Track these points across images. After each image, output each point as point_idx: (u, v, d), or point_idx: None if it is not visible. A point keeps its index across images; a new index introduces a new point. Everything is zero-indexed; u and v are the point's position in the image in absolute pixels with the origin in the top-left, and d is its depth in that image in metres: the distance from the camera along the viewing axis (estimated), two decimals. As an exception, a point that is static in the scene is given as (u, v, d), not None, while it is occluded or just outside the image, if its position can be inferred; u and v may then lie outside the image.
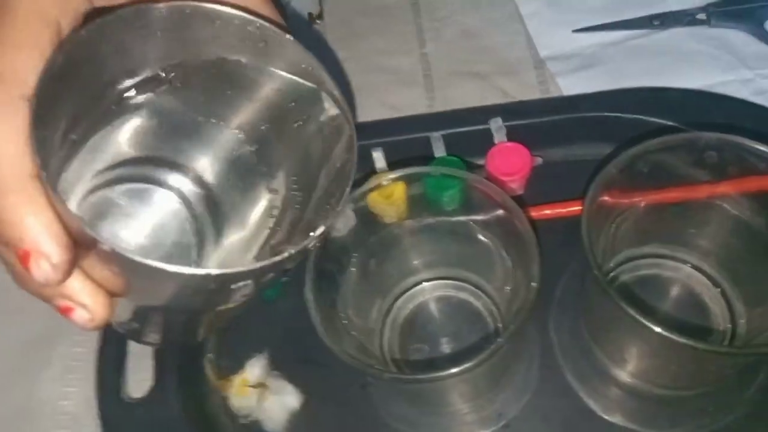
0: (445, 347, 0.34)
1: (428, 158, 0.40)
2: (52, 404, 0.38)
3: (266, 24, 0.23)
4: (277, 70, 0.25)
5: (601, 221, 0.29)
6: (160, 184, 0.26)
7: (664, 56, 0.44)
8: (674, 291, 0.34)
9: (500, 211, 0.29)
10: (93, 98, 0.23)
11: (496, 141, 0.39)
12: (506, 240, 0.30)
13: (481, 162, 0.39)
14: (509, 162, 0.38)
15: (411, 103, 0.46)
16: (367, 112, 0.46)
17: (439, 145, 0.40)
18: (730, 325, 0.32)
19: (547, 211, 0.37)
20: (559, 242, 0.33)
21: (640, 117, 0.38)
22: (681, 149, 0.28)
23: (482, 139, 0.39)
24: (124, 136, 0.25)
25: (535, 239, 0.27)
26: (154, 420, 0.34)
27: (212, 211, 0.26)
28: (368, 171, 0.35)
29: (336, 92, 0.25)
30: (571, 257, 0.35)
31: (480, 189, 0.30)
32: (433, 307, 0.36)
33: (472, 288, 0.35)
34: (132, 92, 0.24)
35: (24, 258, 0.20)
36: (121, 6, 0.22)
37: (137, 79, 0.24)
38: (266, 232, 0.25)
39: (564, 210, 0.37)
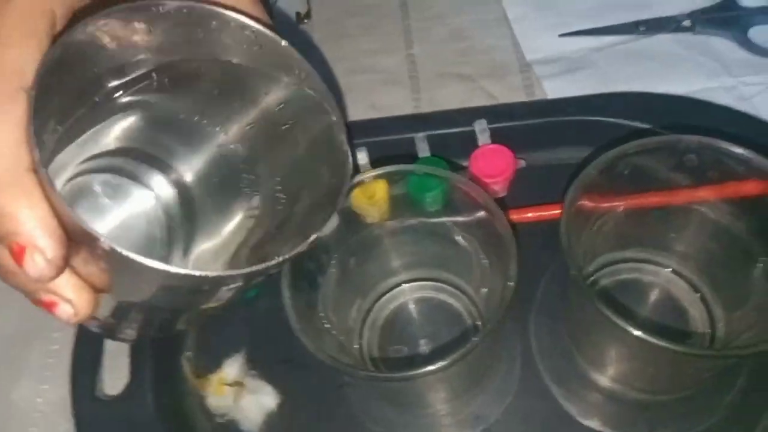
0: (425, 348, 0.34)
1: (412, 159, 0.40)
2: (27, 402, 0.37)
3: (262, 29, 0.23)
4: (268, 74, 0.25)
5: (581, 224, 0.29)
6: (140, 180, 0.26)
7: (649, 62, 0.44)
8: (654, 295, 0.34)
9: (482, 213, 0.29)
10: (84, 92, 0.23)
11: (480, 143, 0.39)
12: (486, 241, 0.30)
13: (465, 163, 0.39)
14: (492, 164, 0.38)
15: (397, 103, 0.46)
16: (353, 112, 0.46)
17: (423, 146, 0.39)
18: (709, 330, 0.32)
19: (530, 214, 0.37)
20: (541, 245, 0.33)
21: (624, 121, 0.39)
22: (661, 152, 0.28)
23: (466, 141, 0.39)
24: (111, 131, 0.25)
25: (513, 239, 0.26)
26: (128, 418, 0.34)
27: (188, 211, 0.26)
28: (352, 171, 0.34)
29: (328, 97, 0.24)
30: (553, 260, 0.35)
31: (462, 189, 0.30)
32: (413, 308, 0.35)
33: (452, 289, 0.35)
34: (123, 88, 0.24)
35: (18, 252, 0.20)
36: (117, 2, 0.22)
37: (129, 75, 0.24)
38: (244, 233, 0.25)
39: (546, 213, 0.37)
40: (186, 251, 0.25)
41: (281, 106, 0.25)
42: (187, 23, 0.23)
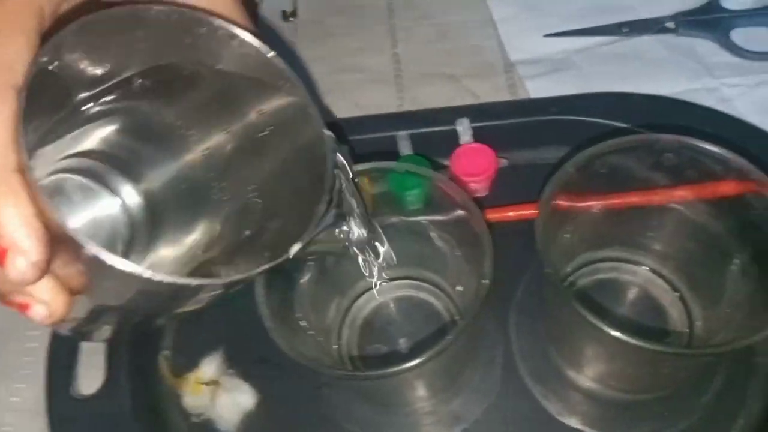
0: (404, 346, 0.34)
1: (395, 157, 0.39)
2: (1, 401, 0.37)
3: (250, 39, 0.23)
4: (253, 83, 0.24)
5: (557, 223, 0.29)
6: (109, 185, 0.26)
7: (632, 63, 0.44)
8: (632, 295, 0.34)
9: (459, 211, 0.29)
10: (69, 94, 0.23)
11: (461, 141, 0.39)
12: (463, 240, 0.30)
13: (447, 162, 0.39)
14: (474, 163, 0.38)
15: (381, 102, 0.46)
16: (337, 111, 0.45)
17: (405, 144, 0.39)
18: (687, 329, 0.32)
19: (510, 213, 0.37)
20: (521, 244, 0.33)
21: (606, 121, 0.39)
22: (638, 151, 0.28)
23: (449, 140, 0.39)
24: (90, 134, 0.25)
25: (489, 238, 0.26)
26: (104, 418, 0.33)
27: (154, 219, 0.25)
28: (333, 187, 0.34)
29: (313, 110, 0.24)
30: (533, 259, 0.34)
31: (441, 188, 0.30)
32: (392, 306, 0.35)
33: (432, 287, 0.35)
34: (107, 92, 0.24)
35: (0, 254, 0.19)
36: (108, 4, 0.21)
37: (114, 79, 0.23)
38: (213, 240, 0.25)
39: (527, 212, 0.37)
40: (145, 258, 0.25)
41: (263, 115, 0.25)
42: (175, 29, 0.22)
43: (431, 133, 0.40)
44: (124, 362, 0.35)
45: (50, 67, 0.20)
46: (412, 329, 0.34)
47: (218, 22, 0.23)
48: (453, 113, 0.39)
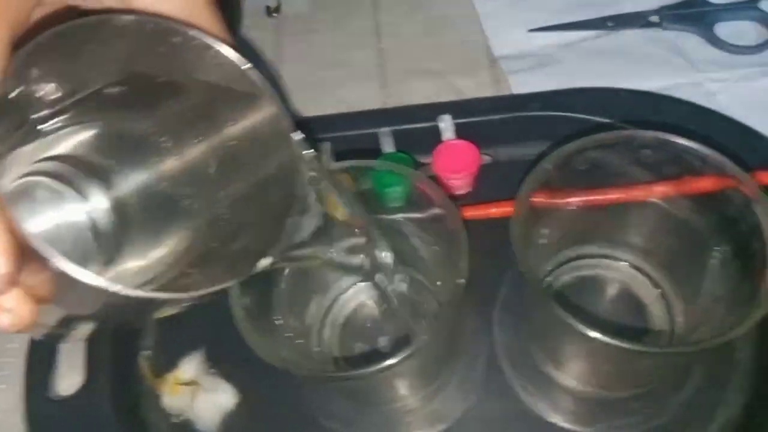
0: (386, 345, 0.34)
1: (378, 154, 0.39)
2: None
3: (225, 50, 0.23)
4: (228, 94, 0.24)
5: (537, 220, 0.29)
6: (80, 190, 0.25)
7: (616, 58, 0.44)
8: (615, 292, 0.34)
9: (437, 210, 0.29)
10: (41, 101, 0.22)
11: (444, 138, 0.39)
12: (441, 238, 0.29)
13: (430, 159, 0.38)
14: (456, 160, 0.38)
15: (365, 98, 0.45)
16: (321, 107, 0.45)
17: (387, 141, 0.39)
18: (668, 327, 0.32)
19: (493, 210, 0.37)
20: (505, 241, 0.33)
21: (590, 117, 0.38)
22: (617, 147, 0.28)
23: (432, 136, 0.39)
24: (66, 139, 0.24)
25: (465, 236, 0.26)
26: (82, 419, 0.33)
27: (121, 228, 0.25)
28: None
29: (286, 118, 0.24)
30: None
31: (419, 186, 0.30)
32: (374, 305, 0.35)
33: (413, 285, 0.34)
34: (81, 99, 0.23)
35: None
36: (82, 13, 0.21)
37: (90, 88, 0.23)
38: (181, 250, 0.24)
39: (510, 209, 0.36)
40: (113, 268, 0.25)
41: (237, 125, 0.25)
42: (149, 38, 0.22)
43: (414, 130, 0.40)
44: (103, 362, 0.34)
45: (17, 90, 0.20)
46: (393, 327, 0.34)
47: (193, 32, 0.22)
48: (435, 110, 0.39)
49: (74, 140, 0.25)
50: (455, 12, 0.49)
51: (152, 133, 0.24)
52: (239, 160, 0.24)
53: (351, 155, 0.34)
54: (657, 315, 0.33)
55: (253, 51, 0.49)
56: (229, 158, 0.24)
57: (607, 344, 0.24)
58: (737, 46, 0.43)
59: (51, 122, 0.23)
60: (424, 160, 0.39)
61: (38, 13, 0.22)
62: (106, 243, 0.24)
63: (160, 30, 0.22)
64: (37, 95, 0.22)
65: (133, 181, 0.25)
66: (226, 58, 0.22)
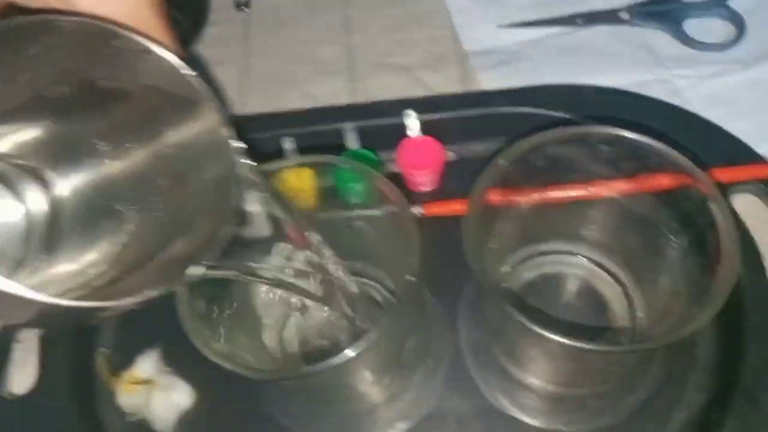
0: (347, 341, 0.33)
1: (342, 150, 0.39)
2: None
3: (164, 56, 0.22)
4: (166, 98, 0.23)
5: (493, 217, 0.28)
6: (16, 190, 0.24)
7: (585, 54, 0.43)
8: (577, 289, 0.33)
9: (393, 208, 0.28)
10: None
11: (409, 134, 0.38)
12: (398, 236, 0.29)
13: (395, 155, 0.38)
14: (420, 156, 0.37)
15: (332, 93, 0.45)
16: (287, 102, 0.45)
17: (351, 137, 0.39)
18: (629, 324, 0.32)
19: (458, 206, 0.36)
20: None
21: (555, 113, 0.38)
22: (574, 143, 0.27)
23: (397, 132, 0.38)
24: (5, 137, 0.24)
25: (417, 234, 0.26)
26: (36, 418, 0.32)
27: (54, 231, 0.24)
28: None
29: (225, 126, 0.23)
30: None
31: (375, 183, 0.29)
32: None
33: (374, 283, 0.34)
34: (21, 100, 0.23)
35: None
36: (23, 10, 0.20)
37: (29, 87, 0.22)
38: (116, 252, 0.24)
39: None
40: (38, 271, 0.24)
41: (177, 131, 0.24)
42: (90, 40, 0.22)
43: (378, 126, 0.39)
44: (58, 360, 0.34)
45: None
46: (355, 324, 0.34)
47: (134, 36, 0.22)
48: (400, 105, 0.38)
49: (13, 141, 0.24)
50: (426, 7, 0.49)
51: (93, 137, 0.24)
52: (178, 166, 0.23)
53: (315, 151, 0.34)
54: (618, 311, 0.32)
55: (221, 49, 0.49)
56: (168, 164, 0.23)
57: (560, 343, 0.24)
58: (705, 44, 0.43)
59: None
60: (389, 156, 0.39)
61: None
62: (39, 246, 0.23)
63: (102, 32, 0.21)
64: None
65: (71, 184, 0.24)
66: (166, 62, 0.22)
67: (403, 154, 0.37)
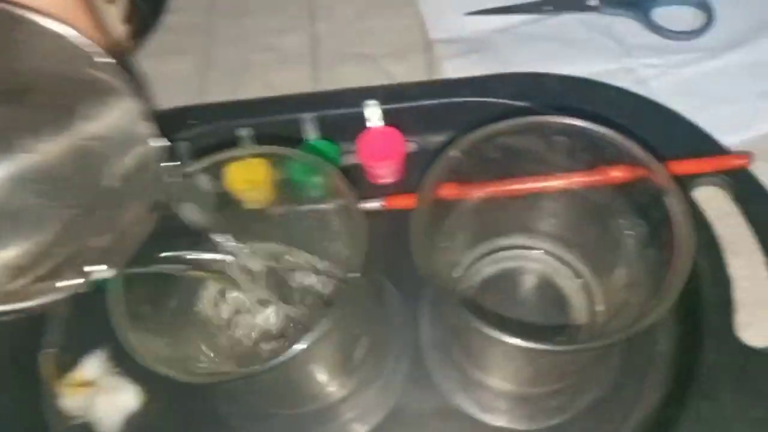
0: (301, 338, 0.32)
1: (301, 141, 0.38)
2: None
3: (81, 43, 0.21)
4: (84, 88, 0.22)
5: (447, 211, 0.27)
6: None
7: (552, 43, 0.43)
8: (537, 283, 0.33)
9: (342, 201, 0.27)
10: None
11: (369, 125, 0.37)
12: (348, 230, 0.28)
13: (354, 146, 0.37)
14: (381, 147, 0.36)
15: (295, 83, 0.44)
16: (249, 92, 0.43)
17: (310, 128, 0.37)
18: (589, 318, 0.31)
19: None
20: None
21: (518, 103, 0.37)
22: (528, 133, 0.26)
23: (358, 123, 0.37)
24: None
25: (363, 231, 0.25)
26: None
27: None
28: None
29: (147, 117, 0.22)
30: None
31: (327, 177, 0.28)
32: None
33: (327, 279, 0.33)
34: None
35: None
36: None
37: None
38: (26, 249, 0.23)
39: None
40: None
41: (96, 123, 0.23)
42: (4, 25, 0.20)
43: (339, 116, 0.38)
44: (1, 361, 0.32)
45: None
46: (308, 320, 0.33)
47: (49, 22, 0.21)
48: (361, 95, 0.37)
49: None
50: (393, -6, 0.48)
51: (7, 129, 0.22)
52: (94, 159, 0.22)
53: (274, 141, 0.33)
54: (578, 306, 0.32)
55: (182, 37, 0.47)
56: (84, 157, 0.22)
57: (509, 343, 0.23)
58: (674, 32, 0.42)
59: None
60: (350, 147, 0.37)
61: None
62: None
63: (14, 16, 0.20)
64: None
65: None
66: (82, 50, 0.21)
67: (363, 146, 0.36)
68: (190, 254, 0.23)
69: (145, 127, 0.21)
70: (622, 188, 0.28)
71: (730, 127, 0.37)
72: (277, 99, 0.40)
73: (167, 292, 0.28)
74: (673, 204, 0.25)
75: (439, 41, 0.44)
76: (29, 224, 0.22)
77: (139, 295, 0.25)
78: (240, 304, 0.31)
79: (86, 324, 0.34)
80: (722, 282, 0.32)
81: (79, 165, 0.22)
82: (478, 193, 0.29)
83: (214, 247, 0.28)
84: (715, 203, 0.35)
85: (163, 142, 0.21)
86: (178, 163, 0.22)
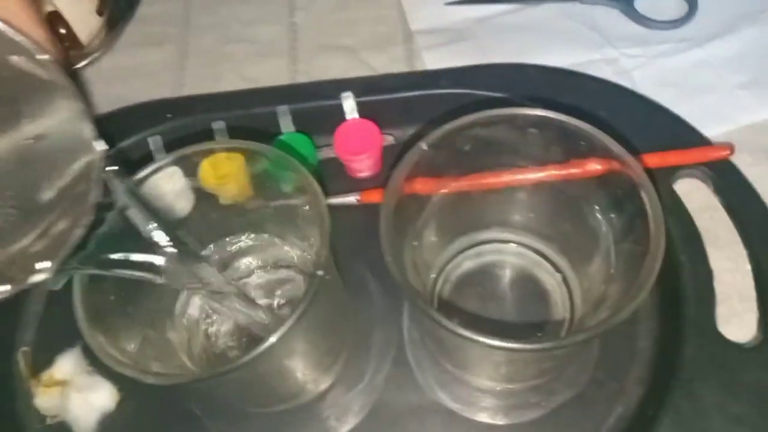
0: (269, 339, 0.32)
1: (278, 134, 0.37)
2: None
3: (21, 41, 0.20)
4: (24, 87, 0.21)
5: (421, 206, 0.27)
6: None
7: (533, 33, 0.42)
8: (516, 278, 0.32)
9: (308, 197, 0.26)
10: None
11: (347, 117, 0.36)
12: (315, 226, 0.27)
13: (331, 140, 0.36)
14: (357, 140, 0.36)
15: (272, 75, 0.43)
16: (226, 84, 0.43)
17: (286, 121, 0.37)
18: (569, 313, 0.31)
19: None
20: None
21: (498, 95, 0.37)
22: (501, 126, 0.26)
23: (334, 115, 0.36)
24: None
25: (327, 227, 0.24)
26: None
27: None
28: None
29: (86, 120, 0.21)
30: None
31: (295, 173, 0.27)
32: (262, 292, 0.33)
33: (299, 275, 0.32)
34: None
35: None
36: None
37: None
38: None
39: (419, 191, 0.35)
40: None
41: (35, 123, 0.22)
42: None
43: (315, 109, 0.37)
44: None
45: None
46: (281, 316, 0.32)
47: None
48: (338, 87, 0.37)
49: None
50: (373, -16, 0.47)
51: None
52: (35, 160, 0.21)
53: (249, 135, 0.32)
54: (558, 301, 0.31)
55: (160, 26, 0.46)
56: (26, 157, 0.22)
57: (476, 341, 0.22)
58: (656, 21, 0.41)
59: None
60: (328, 140, 0.37)
61: None
62: None
63: None
64: None
65: None
66: (24, 49, 0.20)
67: (340, 139, 0.36)
68: (137, 256, 0.22)
69: (87, 130, 0.21)
70: (597, 181, 0.27)
71: (714, 117, 0.37)
72: (253, 92, 0.39)
73: (140, 293, 0.28)
74: (646, 198, 0.24)
75: (420, 32, 0.43)
76: None
77: (107, 296, 0.25)
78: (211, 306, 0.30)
79: (60, 322, 0.33)
80: (703, 275, 0.31)
81: (19, 165, 0.21)
82: (453, 186, 0.28)
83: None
84: (697, 195, 0.34)
85: (104, 146, 0.21)
86: (117, 168, 0.21)
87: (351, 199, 0.35)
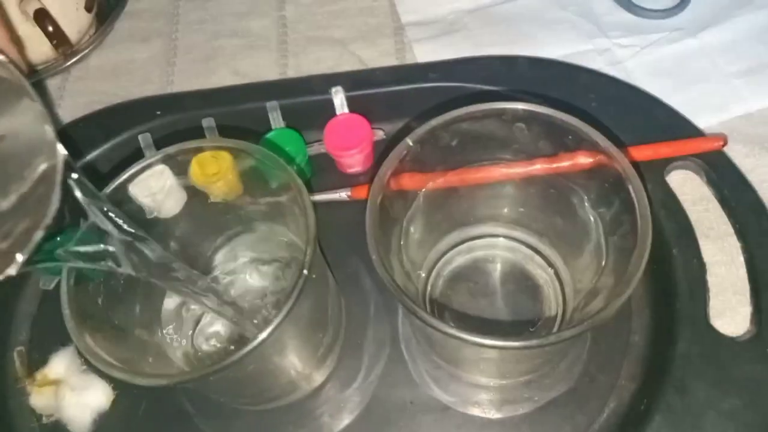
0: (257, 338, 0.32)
1: (269, 130, 0.37)
2: None
3: None
4: None
5: (410, 201, 0.27)
6: None
7: (524, 23, 0.41)
8: (508, 273, 0.32)
9: (294, 195, 0.26)
10: None
11: (336, 112, 0.36)
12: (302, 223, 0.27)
13: (321, 135, 0.36)
14: (348, 135, 0.35)
15: (262, 70, 0.43)
16: (216, 80, 0.42)
17: (276, 116, 0.36)
18: (561, 308, 0.31)
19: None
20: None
21: (489, 87, 0.36)
22: (488, 120, 0.26)
23: (324, 110, 0.36)
24: None
25: (312, 225, 0.24)
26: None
27: None
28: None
29: (48, 123, 0.21)
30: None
31: (281, 171, 0.27)
32: (251, 290, 0.33)
33: (281, 273, 0.32)
34: None
35: None
36: None
37: None
38: None
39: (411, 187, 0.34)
40: None
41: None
42: None
43: (305, 104, 0.37)
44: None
45: None
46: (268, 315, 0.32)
47: None
48: (327, 81, 0.36)
49: None
50: (363, -24, 0.46)
51: None
52: None
53: (239, 132, 0.32)
54: (550, 295, 0.31)
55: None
56: None
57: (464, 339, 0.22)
58: (649, 10, 0.41)
59: None
60: (317, 136, 0.37)
61: None
62: None
63: None
64: None
65: None
66: None
67: (330, 135, 0.35)
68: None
69: (48, 132, 0.20)
70: (586, 175, 0.27)
71: (707, 107, 0.36)
72: (242, 88, 0.39)
73: (129, 294, 0.28)
74: (633, 192, 0.24)
75: (410, 24, 0.43)
76: None
77: (95, 298, 0.25)
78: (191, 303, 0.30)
79: (54, 322, 0.33)
80: (696, 268, 0.31)
81: None
82: (441, 182, 0.28)
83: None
84: (690, 187, 0.34)
85: (63, 151, 0.20)
86: (77, 176, 0.21)
87: (342, 195, 0.35)
